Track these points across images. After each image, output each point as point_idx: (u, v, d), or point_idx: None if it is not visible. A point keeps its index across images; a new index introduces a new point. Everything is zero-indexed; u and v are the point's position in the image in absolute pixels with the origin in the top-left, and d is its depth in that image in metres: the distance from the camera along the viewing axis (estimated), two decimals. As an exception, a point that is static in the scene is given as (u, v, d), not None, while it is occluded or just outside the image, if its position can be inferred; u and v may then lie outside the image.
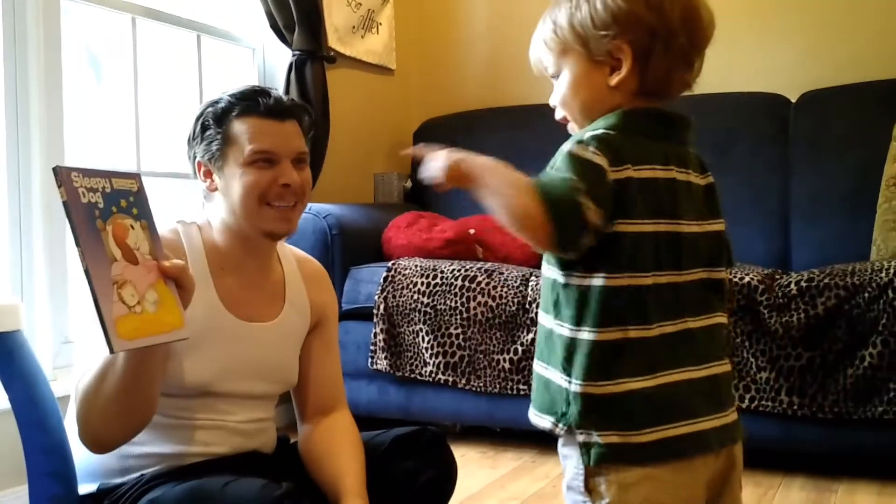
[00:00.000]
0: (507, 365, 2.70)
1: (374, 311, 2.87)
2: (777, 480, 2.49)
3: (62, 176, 1.15)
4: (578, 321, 1.11)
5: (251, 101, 1.55)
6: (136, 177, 1.27)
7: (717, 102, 3.32)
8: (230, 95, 1.57)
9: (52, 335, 2.39)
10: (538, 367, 1.17)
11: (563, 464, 1.17)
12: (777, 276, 2.53)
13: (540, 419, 1.16)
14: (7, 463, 2.08)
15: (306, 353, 1.71)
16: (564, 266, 1.13)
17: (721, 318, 1.19)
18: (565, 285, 1.12)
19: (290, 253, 1.73)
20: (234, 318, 1.56)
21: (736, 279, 2.50)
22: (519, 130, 3.59)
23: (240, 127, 1.54)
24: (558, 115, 1.26)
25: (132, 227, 1.23)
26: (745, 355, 2.46)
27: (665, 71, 1.17)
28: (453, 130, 3.74)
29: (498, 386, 2.72)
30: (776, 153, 3.19)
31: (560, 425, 1.13)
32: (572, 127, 1.25)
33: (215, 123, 1.56)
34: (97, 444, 1.41)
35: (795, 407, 2.41)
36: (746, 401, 2.46)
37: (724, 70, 3.49)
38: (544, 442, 2.79)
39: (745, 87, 3.36)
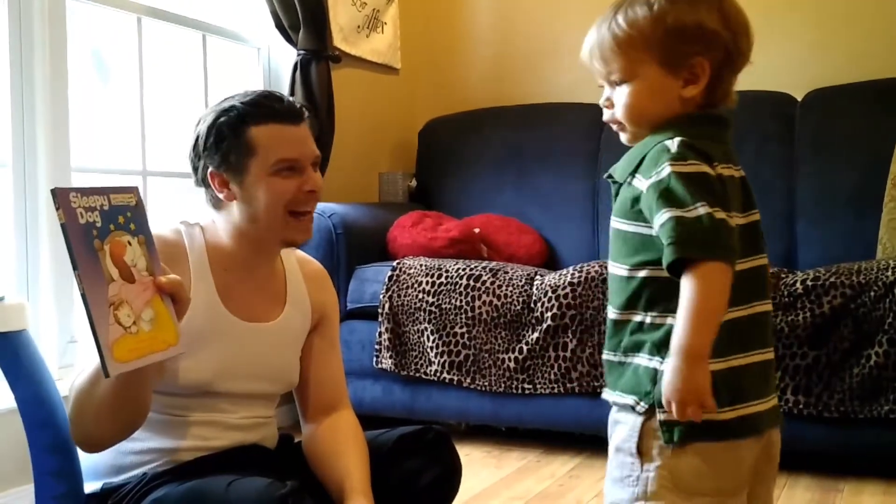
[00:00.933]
0: (511, 364, 2.70)
1: (379, 311, 2.88)
2: (782, 480, 2.48)
3: (60, 198, 1.15)
4: (665, 309, 1.16)
5: (267, 107, 1.53)
6: (133, 190, 1.27)
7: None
8: (242, 102, 1.53)
9: (57, 335, 2.40)
10: (618, 357, 1.22)
11: (613, 429, 1.23)
12: (783, 275, 2.52)
13: (620, 397, 1.21)
14: (13, 462, 2.08)
15: (307, 353, 1.71)
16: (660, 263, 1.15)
17: (769, 306, 1.24)
18: (657, 279, 1.16)
19: (291, 254, 1.72)
20: (235, 319, 1.56)
21: (741, 278, 2.49)
22: (524, 129, 3.59)
23: (260, 135, 1.51)
24: (608, 117, 1.26)
25: (129, 243, 1.24)
26: (750, 354, 2.46)
27: (728, 87, 1.24)
28: (458, 129, 3.74)
29: (503, 385, 2.72)
30: (782, 152, 3.18)
31: (642, 403, 1.17)
32: (627, 134, 1.26)
33: (231, 133, 1.51)
34: (89, 444, 1.42)
35: (801, 406, 2.40)
36: (752, 400, 2.45)
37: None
38: (549, 442, 2.79)
39: (751, 85, 3.32)
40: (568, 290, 2.66)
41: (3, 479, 1.98)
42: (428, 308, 2.79)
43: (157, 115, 2.84)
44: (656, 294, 1.17)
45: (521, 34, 3.85)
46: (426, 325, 2.80)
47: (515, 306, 2.69)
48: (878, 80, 3.15)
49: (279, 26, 3.15)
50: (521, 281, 2.72)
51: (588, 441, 2.75)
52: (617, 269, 1.21)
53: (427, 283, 2.81)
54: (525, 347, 2.68)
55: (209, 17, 3.10)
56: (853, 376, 2.36)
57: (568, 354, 2.63)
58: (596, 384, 2.58)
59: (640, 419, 1.17)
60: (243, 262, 1.59)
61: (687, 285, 1.08)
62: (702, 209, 1.09)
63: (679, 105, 1.21)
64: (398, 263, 2.92)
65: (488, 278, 2.76)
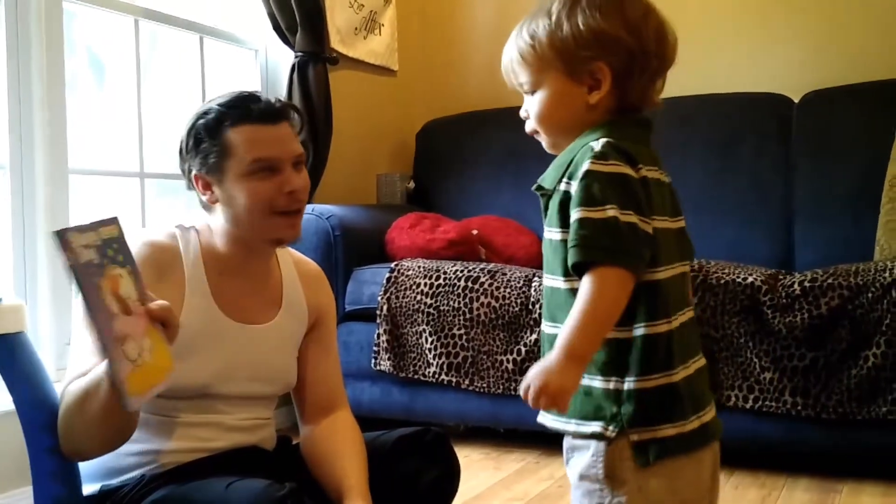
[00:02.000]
0: (510, 366, 2.70)
1: (378, 312, 2.87)
2: (781, 481, 2.48)
3: (63, 240, 1.16)
4: (629, 321, 1.13)
5: (242, 109, 1.52)
6: (115, 221, 1.27)
7: (721, 103, 3.32)
8: (219, 105, 1.53)
9: (54, 336, 2.39)
10: None
11: (571, 455, 1.19)
12: (781, 277, 2.52)
13: (580, 426, 1.16)
14: (12, 464, 2.08)
15: (304, 355, 1.70)
16: None
17: (693, 313, 1.25)
18: None
19: (287, 255, 1.72)
20: (231, 322, 1.56)
21: (739, 279, 2.50)
22: (522, 131, 3.57)
23: (236, 137, 1.50)
24: (529, 127, 1.29)
25: (121, 275, 1.25)
26: (748, 356, 2.46)
27: (640, 91, 1.22)
28: (456, 131, 3.74)
29: (501, 387, 2.72)
30: (779, 153, 3.18)
31: (611, 428, 1.13)
32: (545, 141, 1.28)
33: (209, 136, 1.52)
34: (78, 455, 1.43)
35: (799, 407, 2.40)
36: (750, 401, 2.46)
37: (727, 70, 3.50)
38: (548, 443, 2.79)
39: (748, 87, 3.36)
40: (566, 291, 2.65)
41: (2, 481, 1.98)
42: (426, 310, 2.79)
43: (154, 117, 2.84)
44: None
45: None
46: (424, 326, 2.80)
47: (514, 308, 2.69)
48: (875, 81, 3.16)
49: (276, 28, 3.15)
50: (519, 282, 2.72)
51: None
52: (554, 281, 1.18)
53: (425, 284, 2.81)
54: (523, 349, 2.68)
55: (206, 19, 3.10)
56: (851, 377, 2.36)
57: (566, 356, 2.63)
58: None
59: (602, 444, 1.14)
60: (237, 264, 1.58)
61: (584, 287, 1.08)
62: (611, 211, 1.09)
63: (587, 111, 1.22)
64: (396, 265, 2.92)
65: (486, 280, 2.76)
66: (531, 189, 1.25)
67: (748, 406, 2.46)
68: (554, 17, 1.21)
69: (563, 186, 1.17)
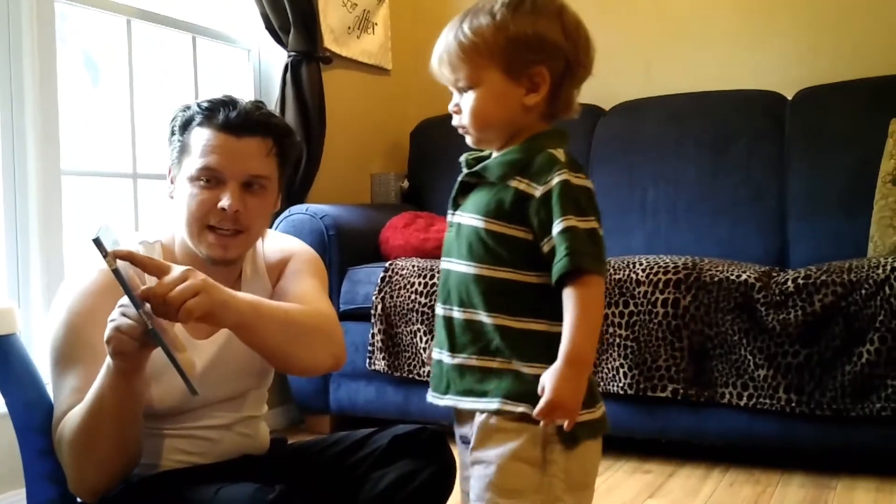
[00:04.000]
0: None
1: (372, 312, 2.87)
2: (776, 478, 2.49)
3: (101, 246, 1.17)
4: (560, 317, 1.18)
5: (212, 112, 1.47)
6: (108, 226, 1.27)
7: (713, 100, 3.32)
8: (198, 103, 1.50)
9: (47, 338, 2.39)
10: (489, 361, 1.23)
11: (488, 438, 1.22)
12: (774, 274, 2.53)
13: (506, 405, 1.21)
14: (4, 466, 2.07)
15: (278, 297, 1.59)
16: (546, 268, 1.19)
17: None
18: (540, 286, 1.20)
19: (263, 259, 1.63)
20: (192, 339, 1.51)
21: (733, 276, 2.50)
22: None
23: (196, 138, 1.47)
24: (457, 122, 1.31)
25: (133, 274, 1.29)
26: (742, 353, 2.46)
27: (568, 98, 1.28)
28: (451, 130, 3.70)
29: (496, 385, 2.72)
30: (773, 151, 3.19)
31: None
32: (472, 138, 1.31)
33: (180, 130, 1.50)
34: (92, 492, 1.42)
35: (793, 404, 2.41)
36: (745, 398, 2.46)
37: (719, 67, 3.51)
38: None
39: (741, 84, 3.37)
40: (560, 289, 2.66)
41: (-6, 484, 1.98)
42: (420, 309, 2.79)
43: (147, 118, 2.84)
44: (537, 299, 1.20)
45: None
46: (419, 325, 2.80)
47: (508, 306, 2.69)
48: (868, 78, 3.16)
49: (269, 28, 3.15)
50: (513, 281, 2.72)
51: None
52: (474, 268, 1.23)
53: (420, 283, 2.81)
54: (518, 348, 2.68)
55: (199, 19, 3.09)
56: (845, 374, 2.36)
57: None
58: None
59: (538, 427, 1.18)
60: None
61: (578, 295, 1.15)
62: (594, 222, 1.19)
63: (521, 112, 1.25)
64: (390, 264, 2.92)
65: (481, 279, 2.75)
66: (460, 176, 1.30)
67: (742, 403, 2.46)
68: (499, 17, 1.22)
69: (515, 184, 1.21)
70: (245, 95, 1.63)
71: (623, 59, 3.64)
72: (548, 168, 1.20)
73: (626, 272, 2.61)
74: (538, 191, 1.19)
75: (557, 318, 1.18)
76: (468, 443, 1.27)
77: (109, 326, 1.25)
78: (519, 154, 1.24)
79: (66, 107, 2.48)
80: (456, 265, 1.26)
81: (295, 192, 3.16)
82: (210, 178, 1.46)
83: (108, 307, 1.28)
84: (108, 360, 1.29)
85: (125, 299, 1.24)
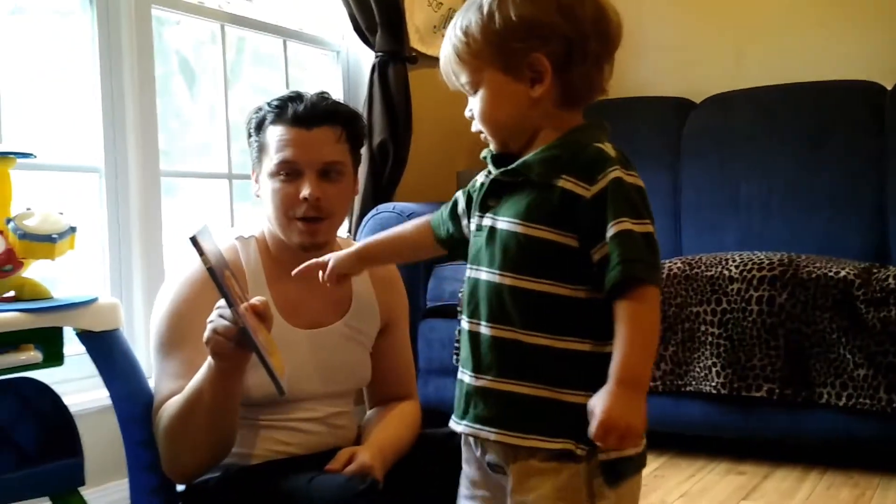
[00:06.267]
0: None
1: (458, 309, 2.88)
2: (875, 481, 2.41)
3: (198, 245, 1.20)
4: (610, 335, 1.06)
5: (281, 109, 1.54)
6: (206, 227, 1.32)
7: (808, 91, 3.23)
8: (269, 102, 1.58)
9: (148, 333, 2.47)
10: (532, 389, 1.09)
11: (525, 481, 1.10)
12: (874, 271, 2.44)
13: (547, 442, 1.08)
14: (109, 456, 2.15)
15: (376, 353, 1.70)
16: (592, 281, 1.08)
17: None
18: (586, 302, 1.08)
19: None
20: (293, 328, 1.56)
21: (831, 273, 2.42)
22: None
23: (270, 136, 1.55)
24: (475, 128, 1.22)
25: (230, 276, 1.32)
26: (841, 352, 2.39)
27: (586, 79, 1.15)
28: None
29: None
30: (871, 143, 3.08)
31: (582, 445, 1.08)
32: (494, 143, 1.21)
33: (255, 131, 1.58)
34: (184, 476, 1.48)
35: (895, 405, 2.32)
36: (843, 399, 2.39)
37: (813, 57, 3.40)
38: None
39: (837, 74, 3.26)
40: (649, 287, 2.62)
41: (100, 474, 2.05)
42: (507, 306, 2.78)
43: (240, 120, 2.91)
44: (581, 316, 1.08)
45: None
46: (506, 323, 2.79)
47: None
48: (974, 65, 3.03)
49: (357, 29, 3.19)
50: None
51: (671, 440, 2.70)
52: (510, 279, 1.10)
53: (506, 281, 2.81)
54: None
55: (289, 22, 3.16)
56: (951, 374, 2.27)
57: (650, 352, 2.59)
58: (679, 382, 2.54)
59: (581, 465, 1.07)
60: (292, 266, 1.55)
61: (633, 309, 1.02)
62: (649, 226, 1.05)
63: (531, 106, 1.14)
64: (477, 262, 2.92)
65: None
66: (495, 173, 1.16)
67: (841, 404, 2.39)
68: (486, 10, 1.13)
69: (562, 183, 1.09)
70: (334, 96, 1.65)
71: (713, 50, 3.57)
72: (598, 165, 1.07)
73: (719, 269, 2.55)
74: (589, 191, 1.06)
75: (604, 337, 1.06)
76: (496, 469, 1.16)
77: (208, 328, 1.30)
78: (560, 150, 1.12)
79: (163, 110, 2.56)
80: (487, 274, 1.14)
81: (382, 190, 3.20)
82: (289, 172, 1.53)
83: (211, 297, 1.32)
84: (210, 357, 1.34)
85: (223, 301, 1.28)
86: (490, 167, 1.21)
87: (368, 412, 1.73)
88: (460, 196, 1.31)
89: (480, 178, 1.23)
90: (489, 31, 1.12)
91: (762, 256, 2.56)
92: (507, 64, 1.13)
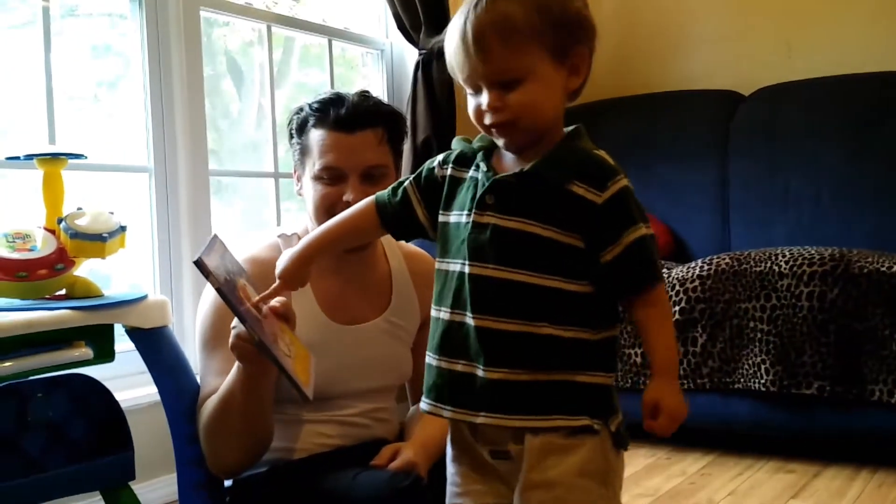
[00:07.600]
0: (639, 359, 2.65)
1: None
2: (932, 481, 2.35)
3: (204, 267, 1.19)
4: (616, 321, 1.18)
5: (324, 113, 1.55)
6: (217, 238, 1.31)
7: (859, 83, 3.16)
8: (309, 104, 1.58)
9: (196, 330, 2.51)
10: (544, 375, 1.13)
11: (554, 458, 1.14)
12: (929, 265, 2.39)
13: (567, 420, 1.13)
14: (158, 451, 2.19)
15: (417, 349, 1.69)
16: (593, 280, 1.15)
17: None
18: (586, 295, 1.14)
19: (397, 249, 1.71)
20: (336, 325, 1.58)
21: (884, 268, 2.38)
22: (647, 119, 3.52)
23: (313, 139, 1.56)
24: (500, 119, 1.13)
25: (244, 285, 1.30)
26: (894, 349, 2.34)
27: (588, 78, 1.19)
28: (579, 121, 3.69)
29: (630, 380, 2.67)
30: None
31: (597, 421, 1.15)
32: (519, 138, 1.16)
33: (297, 133, 1.59)
34: (224, 471, 1.51)
35: (951, 403, 2.27)
36: (896, 397, 2.34)
37: (865, 49, 3.33)
38: (678, 438, 2.73)
39: (888, 66, 3.18)
40: (697, 283, 2.59)
41: (148, 468, 2.09)
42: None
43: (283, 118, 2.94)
44: (583, 309, 1.14)
45: (644, 22, 3.77)
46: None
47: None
48: None
49: (401, 27, 3.20)
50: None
51: (719, 438, 2.67)
52: (522, 276, 1.12)
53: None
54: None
55: (334, 21, 3.18)
56: None
57: (698, 349, 2.57)
58: (728, 380, 2.51)
59: (599, 437, 1.14)
60: (334, 264, 1.59)
61: (660, 306, 1.14)
62: (651, 229, 1.14)
63: (564, 101, 1.17)
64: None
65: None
66: (524, 170, 1.13)
67: (893, 401, 2.34)
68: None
69: (575, 189, 1.12)
70: (378, 94, 1.66)
71: (762, 42, 3.52)
72: (606, 173, 1.13)
73: (769, 264, 2.52)
74: (601, 197, 1.11)
75: (599, 326, 1.15)
76: (503, 456, 1.18)
77: (232, 333, 1.32)
78: (568, 155, 1.15)
79: (211, 109, 2.60)
80: (493, 271, 1.13)
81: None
82: (332, 176, 1.54)
83: (255, 293, 1.33)
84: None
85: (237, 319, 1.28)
86: (481, 163, 1.18)
87: (412, 408, 1.74)
88: (411, 183, 1.27)
89: (475, 174, 1.19)
90: (548, 19, 1.12)
91: (812, 251, 2.52)
92: (558, 53, 1.13)
